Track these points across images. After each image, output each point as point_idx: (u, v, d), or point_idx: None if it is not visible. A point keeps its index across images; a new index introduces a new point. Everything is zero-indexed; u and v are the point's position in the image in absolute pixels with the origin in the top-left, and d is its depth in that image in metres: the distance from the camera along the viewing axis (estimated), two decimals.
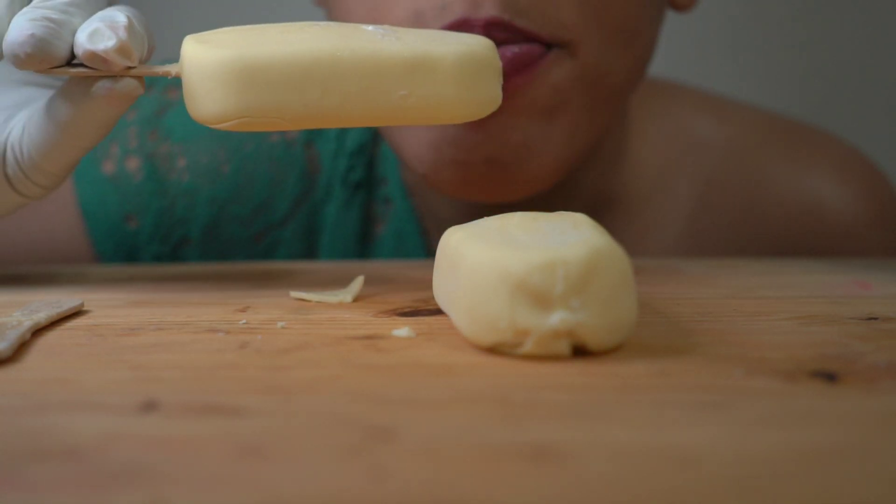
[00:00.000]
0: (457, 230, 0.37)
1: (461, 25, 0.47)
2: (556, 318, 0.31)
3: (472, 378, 0.31)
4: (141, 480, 0.23)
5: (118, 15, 0.40)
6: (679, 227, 0.65)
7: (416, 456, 0.24)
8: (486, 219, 0.38)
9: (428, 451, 0.25)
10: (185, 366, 0.33)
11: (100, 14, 0.40)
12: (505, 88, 0.46)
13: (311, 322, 0.39)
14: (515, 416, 0.27)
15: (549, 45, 0.49)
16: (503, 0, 0.47)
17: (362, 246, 0.65)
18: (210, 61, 0.40)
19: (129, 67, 0.40)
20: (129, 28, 0.39)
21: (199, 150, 0.63)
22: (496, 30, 0.47)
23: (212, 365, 0.33)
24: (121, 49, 0.39)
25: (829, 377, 0.31)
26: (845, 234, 0.64)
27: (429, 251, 0.64)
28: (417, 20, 0.48)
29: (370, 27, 0.42)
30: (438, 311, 0.40)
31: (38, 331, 0.37)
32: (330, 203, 0.64)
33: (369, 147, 0.64)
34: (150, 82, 0.64)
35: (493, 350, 0.33)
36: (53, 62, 0.39)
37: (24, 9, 0.40)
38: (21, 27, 0.39)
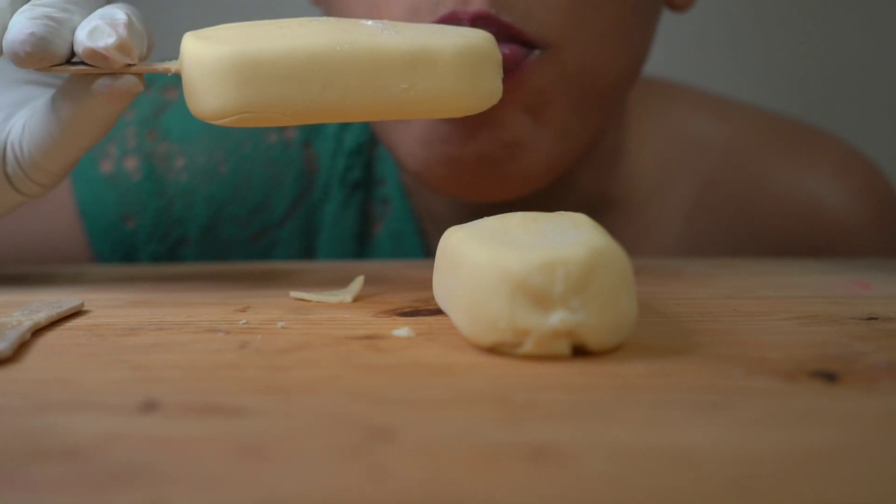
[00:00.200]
0: (457, 230, 0.37)
1: (450, 19, 0.47)
2: (556, 318, 0.31)
3: (472, 378, 0.31)
4: (141, 480, 0.23)
5: (117, 12, 0.40)
6: (678, 227, 0.64)
7: (416, 456, 0.24)
8: (486, 219, 0.38)
9: (428, 451, 0.25)
10: (185, 366, 0.33)
11: (99, 11, 0.40)
12: None
13: (311, 322, 0.39)
14: (515, 416, 0.27)
15: (532, 47, 0.49)
16: None
17: (360, 246, 0.65)
18: (210, 57, 0.40)
19: (129, 65, 0.40)
20: (129, 25, 0.39)
21: (197, 150, 0.63)
22: (482, 24, 0.47)
23: (212, 365, 0.33)
24: (121, 46, 0.39)
25: (829, 377, 0.31)
26: (844, 234, 0.64)
27: (427, 251, 0.64)
28: (413, 16, 0.49)
29: (369, 22, 0.42)
30: (438, 311, 0.40)
31: (38, 331, 0.37)
32: (328, 203, 0.64)
33: (367, 147, 0.64)
34: (149, 81, 0.64)
35: (493, 350, 0.33)
36: (54, 60, 0.39)
37: (24, 7, 0.40)
38: (21, 25, 0.39)
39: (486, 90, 0.42)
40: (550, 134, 0.51)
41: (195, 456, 0.25)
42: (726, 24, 1.12)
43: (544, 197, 0.56)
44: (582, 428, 0.26)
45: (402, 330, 0.37)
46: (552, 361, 0.32)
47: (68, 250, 0.63)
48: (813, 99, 1.11)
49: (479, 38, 0.42)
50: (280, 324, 0.38)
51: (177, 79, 0.62)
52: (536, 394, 0.29)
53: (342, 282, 0.46)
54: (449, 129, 0.51)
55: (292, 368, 0.32)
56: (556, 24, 0.49)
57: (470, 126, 0.50)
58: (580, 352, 0.33)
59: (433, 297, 0.40)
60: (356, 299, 0.44)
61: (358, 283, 0.45)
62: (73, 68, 0.40)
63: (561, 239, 0.33)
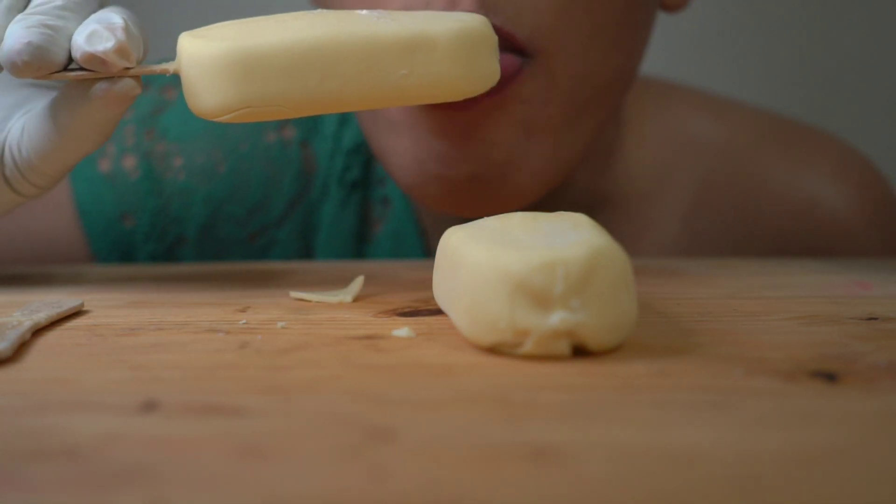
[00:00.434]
0: (457, 230, 0.37)
1: None
2: (556, 318, 0.31)
3: (472, 378, 0.31)
4: (141, 480, 0.23)
5: (114, 16, 0.40)
6: (676, 227, 0.64)
7: (416, 456, 0.24)
8: (486, 219, 0.38)
9: (428, 451, 0.25)
10: (185, 366, 0.33)
11: (95, 16, 0.40)
12: (480, 106, 0.46)
13: (311, 322, 0.39)
14: (515, 416, 0.27)
15: (522, 54, 0.48)
16: None
17: (359, 246, 0.65)
18: (209, 55, 0.40)
19: (127, 68, 0.40)
20: (126, 29, 0.39)
21: (196, 149, 0.63)
22: None
23: (212, 365, 0.33)
24: (119, 50, 0.39)
25: (829, 377, 0.31)
26: (842, 234, 0.64)
27: (427, 252, 0.63)
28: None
29: (364, 12, 0.42)
30: (438, 311, 0.40)
31: (38, 331, 0.37)
32: (326, 202, 0.64)
33: (365, 146, 0.64)
34: (147, 82, 0.64)
35: (493, 350, 0.33)
36: (51, 68, 0.39)
37: (19, 16, 0.40)
38: (17, 35, 0.39)
39: (484, 72, 0.43)
40: (544, 149, 0.51)
41: (195, 456, 0.25)
42: (726, 25, 1.12)
43: (541, 197, 0.56)
44: (582, 428, 0.26)
45: (402, 330, 0.37)
46: (552, 361, 0.32)
47: (66, 249, 0.63)
48: (813, 99, 1.11)
49: (474, 21, 0.42)
50: (280, 324, 0.38)
51: (175, 79, 0.62)
52: (536, 394, 0.29)
53: (342, 282, 0.46)
54: (440, 147, 0.50)
55: (292, 368, 0.32)
56: (545, 28, 0.48)
57: (462, 145, 0.50)
58: (580, 352, 0.33)
59: (433, 297, 0.40)
60: (356, 299, 0.44)
61: (358, 283, 0.45)
62: (72, 74, 0.40)
63: (561, 239, 0.33)
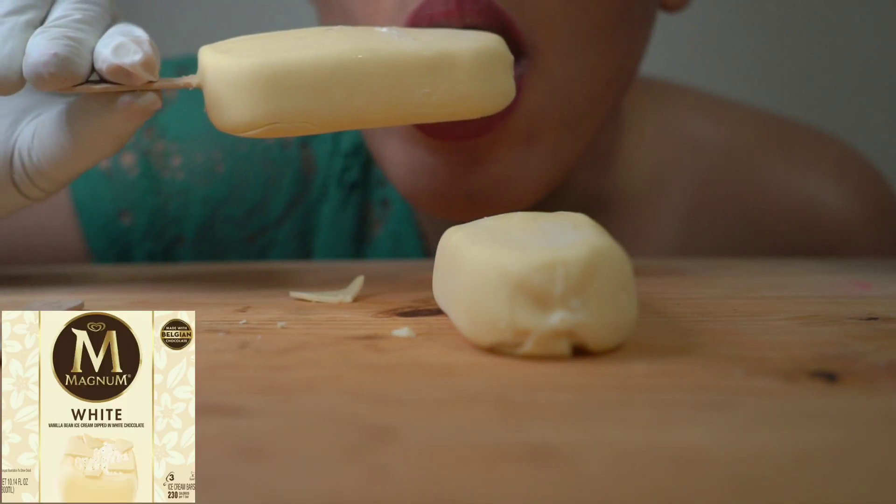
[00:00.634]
0: (457, 230, 0.37)
1: (444, 5, 0.46)
2: (556, 318, 0.31)
3: (472, 378, 0.31)
4: None
5: (136, 30, 0.40)
6: (674, 227, 0.64)
7: (416, 456, 0.24)
8: (486, 219, 0.38)
9: (428, 451, 0.25)
10: None
11: (117, 29, 0.40)
12: (481, 120, 0.46)
13: (311, 322, 0.39)
14: (515, 417, 0.27)
15: (520, 51, 0.47)
16: None
17: (358, 247, 0.65)
18: (235, 70, 0.40)
19: (150, 81, 0.40)
20: (152, 42, 0.40)
21: (194, 149, 0.63)
22: (469, 2, 0.46)
23: (212, 365, 0.33)
24: (146, 63, 0.39)
25: (829, 377, 0.31)
26: (841, 234, 0.64)
27: (426, 253, 0.63)
28: (403, 3, 0.47)
29: (384, 29, 0.43)
30: (438, 311, 0.40)
31: None
32: (325, 204, 0.64)
33: (365, 148, 0.64)
34: None
35: (493, 350, 0.33)
36: (76, 80, 0.39)
37: (39, 28, 0.39)
38: (43, 47, 0.38)
39: (501, 90, 0.44)
40: (542, 159, 0.51)
41: (195, 456, 0.25)
42: (726, 25, 1.12)
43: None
44: (582, 428, 0.26)
45: (402, 330, 0.37)
46: (552, 361, 0.32)
47: (63, 246, 0.63)
48: (812, 99, 1.11)
49: (491, 40, 0.43)
50: (280, 324, 0.38)
51: None
52: (536, 394, 0.29)
53: (342, 282, 0.46)
54: (435, 162, 0.50)
55: (292, 368, 0.32)
56: (545, 18, 0.47)
57: (457, 161, 0.50)
58: (580, 352, 0.33)
59: (433, 297, 0.40)
60: (356, 299, 0.44)
61: (358, 283, 0.45)
62: (98, 87, 0.40)
63: (561, 239, 0.33)
